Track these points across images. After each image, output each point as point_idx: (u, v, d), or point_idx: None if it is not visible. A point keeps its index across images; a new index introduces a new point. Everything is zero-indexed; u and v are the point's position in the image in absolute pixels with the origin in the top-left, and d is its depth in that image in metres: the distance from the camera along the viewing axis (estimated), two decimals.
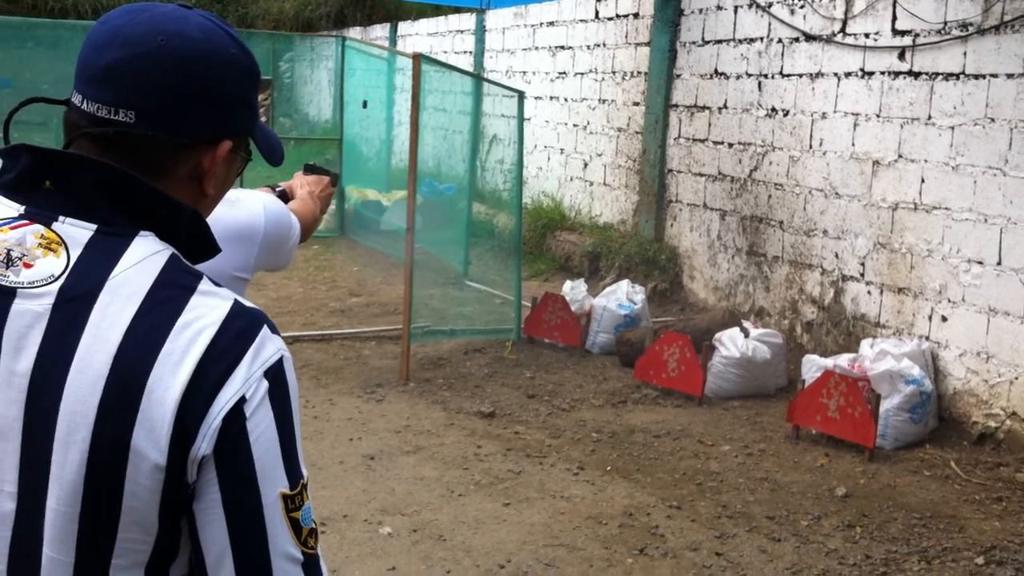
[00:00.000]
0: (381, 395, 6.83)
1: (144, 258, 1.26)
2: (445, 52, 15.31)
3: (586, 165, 11.59)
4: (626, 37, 10.78)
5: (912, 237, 6.98)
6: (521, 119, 8.90)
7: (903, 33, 7.09)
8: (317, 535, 1.32)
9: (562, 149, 12.11)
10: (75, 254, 1.24)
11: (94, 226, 1.26)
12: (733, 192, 8.93)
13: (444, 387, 7.09)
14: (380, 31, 18.95)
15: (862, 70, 7.46)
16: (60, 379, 1.19)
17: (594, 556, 4.66)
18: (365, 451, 5.81)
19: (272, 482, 1.25)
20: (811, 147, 7.98)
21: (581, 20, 11.68)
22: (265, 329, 1.27)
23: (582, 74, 11.65)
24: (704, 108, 9.36)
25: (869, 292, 7.36)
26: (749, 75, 8.74)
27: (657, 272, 9.66)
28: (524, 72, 13.02)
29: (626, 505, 5.23)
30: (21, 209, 1.27)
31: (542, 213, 11.81)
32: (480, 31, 14.38)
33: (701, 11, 9.40)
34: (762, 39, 8.60)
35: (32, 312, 1.21)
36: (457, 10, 15.70)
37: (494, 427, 6.34)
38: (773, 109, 8.43)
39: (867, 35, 7.41)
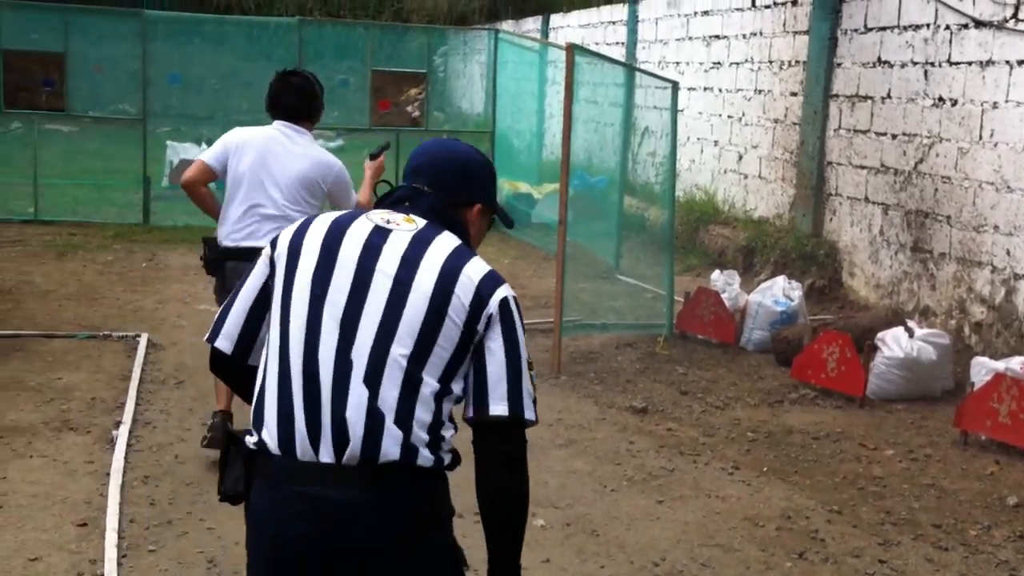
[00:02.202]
0: None
1: (450, 239, 2.38)
2: (597, 43, 15.24)
3: (741, 157, 11.37)
4: (784, 25, 10.52)
5: None
6: (675, 111, 8.76)
7: None
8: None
9: (716, 141, 11.91)
10: (420, 225, 2.37)
11: (425, 220, 2.40)
12: (897, 185, 8.62)
13: (596, 381, 7.05)
14: (532, 23, 19.01)
15: None
16: (413, 273, 2.28)
17: (751, 558, 4.55)
18: None
19: (522, 349, 2.33)
20: (981, 138, 7.63)
21: (737, 9, 11.46)
22: (505, 282, 2.37)
23: (737, 64, 11.43)
24: (866, 98, 9.06)
25: None
26: (915, 63, 8.42)
27: (815, 268, 9.41)
28: (677, 63, 12.86)
29: (784, 507, 5.10)
30: (395, 212, 2.43)
31: (695, 206, 11.64)
32: (632, 22, 14.27)
33: None
34: (928, 25, 8.26)
35: (402, 239, 2.33)
36: (609, 1, 15.61)
37: (646, 423, 6.27)
38: (940, 99, 8.10)
39: None
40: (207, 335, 2.47)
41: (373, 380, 2.21)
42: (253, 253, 5.15)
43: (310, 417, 2.21)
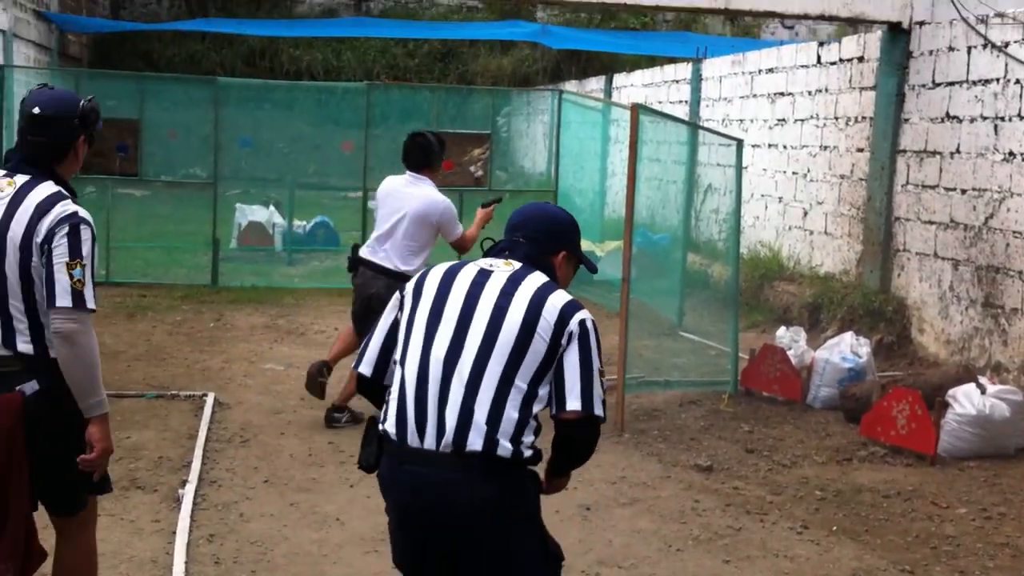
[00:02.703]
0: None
1: (540, 276, 3.03)
2: (660, 102, 15.28)
3: (806, 214, 11.29)
4: (850, 81, 10.47)
5: None
6: (739, 168, 8.73)
7: None
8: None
9: (780, 198, 11.84)
10: (516, 267, 3.06)
11: (520, 264, 3.08)
12: (967, 241, 8.48)
13: (659, 439, 6.97)
14: (595, 83, 19.12)
15: None
16: (509, 300, 2.93)
17: None
18: (580, 501, 5.75)
19: (595, 360, 2.94)
20: None
21: (802, 66, 11.44)
22: (584, 308, 2.99)
23: (802, 121, 11.39)
24: (935, 153, 8.95)
25: None
26: (984, 118, 8.32)
27: (883, 324, 9.25)
28: (741, 120, 12.84)
29: (854, 568, 4.98)
30: (496, 258, 3.14)
31: (759, 263, 11.55)
32: (696, 80, 14.29)
33: (931, 53, 9.03)
34: (998, 80, 8.18)
35: (501, 277, 3.01)
36: (672, 60, 15.66)
37: (712, 481, 6.18)
38: (1011, 153, 7.98)
39: None
40: (354, 363, 3.18)
41: (472, 384, 2.85)
42: (375, 266, 6.71)
43: (419, 413, 2.88)
